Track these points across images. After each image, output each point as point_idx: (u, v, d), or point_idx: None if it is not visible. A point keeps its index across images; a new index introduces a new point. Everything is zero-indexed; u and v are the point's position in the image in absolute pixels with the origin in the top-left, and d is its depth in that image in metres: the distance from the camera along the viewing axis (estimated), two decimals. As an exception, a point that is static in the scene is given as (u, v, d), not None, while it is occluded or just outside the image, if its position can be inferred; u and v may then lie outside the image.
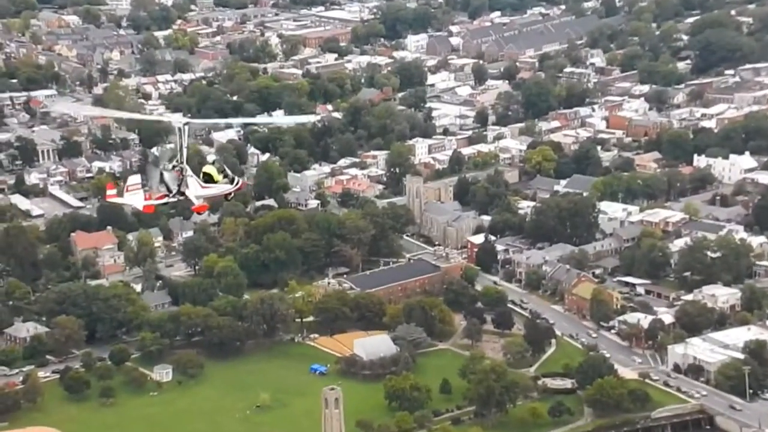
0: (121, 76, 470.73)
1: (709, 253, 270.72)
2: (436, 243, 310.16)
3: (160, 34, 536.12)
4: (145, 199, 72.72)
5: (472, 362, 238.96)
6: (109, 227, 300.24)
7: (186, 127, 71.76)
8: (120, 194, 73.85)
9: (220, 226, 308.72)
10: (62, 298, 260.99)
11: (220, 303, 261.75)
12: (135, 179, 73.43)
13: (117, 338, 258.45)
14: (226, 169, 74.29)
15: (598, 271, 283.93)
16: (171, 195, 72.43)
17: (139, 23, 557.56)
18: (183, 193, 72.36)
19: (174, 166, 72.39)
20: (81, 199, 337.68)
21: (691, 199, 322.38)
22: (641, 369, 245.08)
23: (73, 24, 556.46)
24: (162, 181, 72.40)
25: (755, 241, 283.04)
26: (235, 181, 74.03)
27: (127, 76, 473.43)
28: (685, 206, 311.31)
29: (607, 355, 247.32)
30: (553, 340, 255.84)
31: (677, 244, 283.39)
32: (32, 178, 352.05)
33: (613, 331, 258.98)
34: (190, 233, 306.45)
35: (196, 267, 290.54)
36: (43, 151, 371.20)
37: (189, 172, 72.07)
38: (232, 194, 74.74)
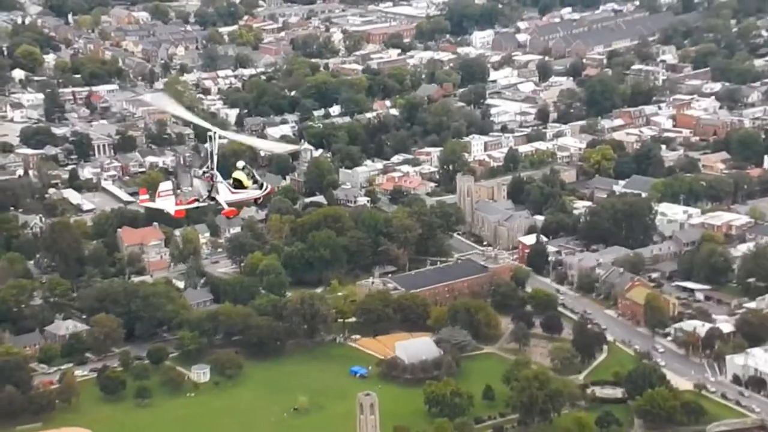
0: (182, 71, 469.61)
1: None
2: (486, 243, 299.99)
3: (225, 30, 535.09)
4: (177, 204, 76.63)
5: (516, 368, 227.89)
6: (155, 223, 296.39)
7: (216, 135, 73.24)
8: (152, 199, 77.93)
9: (267, 223, 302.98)
10: (102, 296, 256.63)
11: (261, 302, 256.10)
12: (166, 185, 77.84)
13: (157, 337, 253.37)
14: (255, 174, 75.99)
15: (654, 275, 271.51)
16: (202, 200, 75.38)
17: (206, 19, 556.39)
18: (213, 198, 74.79)
19: (205, 172, 74.84)
20: (132, 194, 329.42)
21: (759, 202, 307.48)
22: (697, 379, 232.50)
23: (142, 20, 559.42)
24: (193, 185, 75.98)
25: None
26: (264, 187, 76.06)
27: (189, 71, 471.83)
28: (750, 209, 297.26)
29: (662, 364, 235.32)
30: (605, 346, 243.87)
31: (740, 249, 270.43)
32: (86, 172, 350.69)
33: (668, 338, 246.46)
34: (237, 230, 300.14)
35: (241, 264, 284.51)
36: (98, 146, 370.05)
37: (219, 178, 74.20)
38: (261, 199, 77.20)
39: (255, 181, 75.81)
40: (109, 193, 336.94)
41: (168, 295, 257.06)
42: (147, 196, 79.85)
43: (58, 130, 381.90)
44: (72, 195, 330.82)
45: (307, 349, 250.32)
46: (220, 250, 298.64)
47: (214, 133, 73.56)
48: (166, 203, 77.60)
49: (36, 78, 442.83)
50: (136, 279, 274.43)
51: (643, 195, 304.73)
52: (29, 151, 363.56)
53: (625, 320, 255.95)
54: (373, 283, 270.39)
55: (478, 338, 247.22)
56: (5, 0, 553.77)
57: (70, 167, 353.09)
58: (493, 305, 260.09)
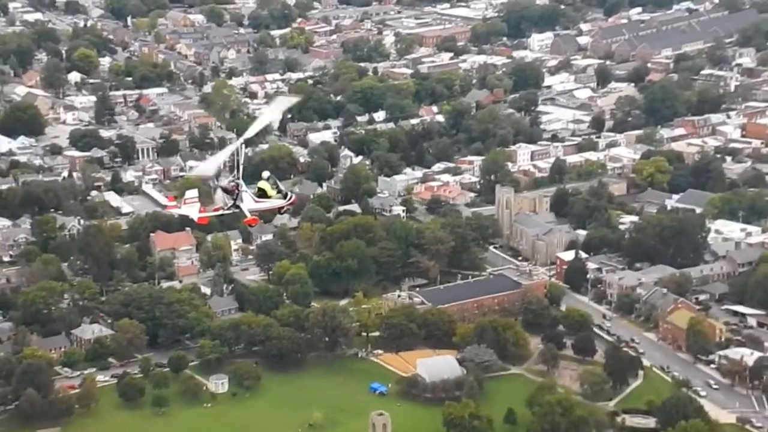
0: (231, 75, 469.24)
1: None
2: (520, 258, 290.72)
3: (277, 33, 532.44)
4: (200, 211, 78.95)
5: (541, 392, 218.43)
6: (187, 228, 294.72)
7: (242, 146, 76.36)
8: (178, 206, 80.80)
9: (297, 231, 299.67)
10: (128, 301, 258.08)
11: (283, 312, 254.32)
12: (192, 193, 79.70)
13: (180, 344, 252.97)
14: (279, 184, 78.81)
15: (702, 298, 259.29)
16: (226, 208, 77.35)
17: (260, 22, 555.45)
18: (238, 206, 76.86)
19: (230, 181, 76.87)
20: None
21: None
22: (741, 413, 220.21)
23: (197, 23, 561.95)
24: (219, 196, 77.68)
25: None
26: (288, 196, 78.51)
27: (238, 74, 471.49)
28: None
29: (703, 394, 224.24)
30: (641, 372, 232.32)
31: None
32: (128, 175, 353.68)
33: (712, 366, 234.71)
34: (269, 237, 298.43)
35: (269, 272, 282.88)
36: (142, 149, 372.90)
37: (244, 187, 76.63)
38: (285, 208, 79.45)
39: (279, 191, 78.40)
40: (148, 196, 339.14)
41: (192, 303, 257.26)
42: (174, 203, 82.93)
43: (106, 133, 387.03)
44: (113, 198, 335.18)
45: (327, 362, 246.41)
46: (250, 257, 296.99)
47: (240, 144, 76.41)
48: (191, 210, 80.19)
49: (91, 81, 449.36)
50: (164, 284, 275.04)
51: (698, 211, 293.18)
52: (76, 153, 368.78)
53: (666, 345, 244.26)
54: (399, 296, 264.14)
55: (504, 358, 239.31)
56: (70, 4, 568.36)
57: (113, 170, 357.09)
58: (524, 324, 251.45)
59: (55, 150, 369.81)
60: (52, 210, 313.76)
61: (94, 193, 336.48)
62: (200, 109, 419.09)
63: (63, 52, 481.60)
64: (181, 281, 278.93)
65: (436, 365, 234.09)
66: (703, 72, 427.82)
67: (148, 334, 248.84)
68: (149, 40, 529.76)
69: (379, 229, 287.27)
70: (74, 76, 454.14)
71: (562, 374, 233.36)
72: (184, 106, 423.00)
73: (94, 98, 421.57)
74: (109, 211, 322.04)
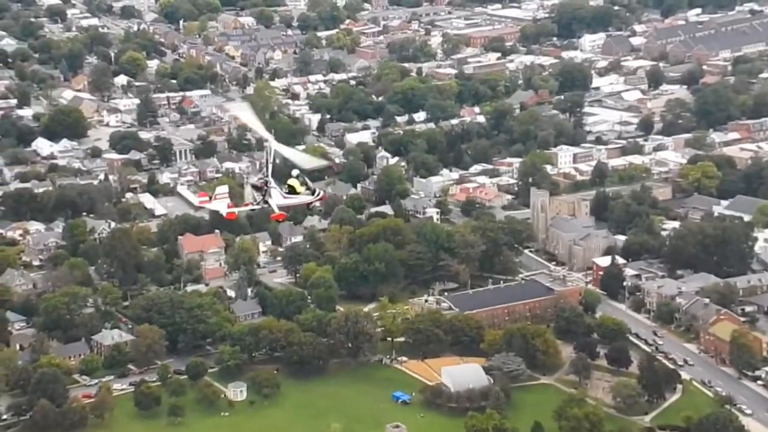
0: (274, 76, 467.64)
1: None
2: (553, 262, 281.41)
3: (324, 34, 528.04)
4: (229, 206, 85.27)
5: (569, 404, 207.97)
6: (217, 230, 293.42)
7: (271, 148, 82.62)
8: (209, 201, 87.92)
9: (325, 233, 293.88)
10: (149, 306, 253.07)
11: (306, 317, 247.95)
12: (222, 189, 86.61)
13: (201, 349, 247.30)
14: (308, 182, 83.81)
15: (749, 309, 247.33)
16: (256, 203, 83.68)
17: (308, 23, 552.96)
18: (267, 202, 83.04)
19: (260, 178, 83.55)
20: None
21: None
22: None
23: (247, 25, 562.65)
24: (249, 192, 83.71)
25: None
26: (316, 193, 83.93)
27: (283, 75, 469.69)
28: None
29: (748, 412, 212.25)
30: (680, 386, 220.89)
31: None
32: (164, 177, 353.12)
33: (759, 382, 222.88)
34: (299, 239, 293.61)
35: (297, 275, 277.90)
36: (180, 151, 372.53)
37: (273, 184, 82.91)
38: (313, 204, 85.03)
39: (308, 188, 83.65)
40: (183, 198, 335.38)
41: (213, 307, 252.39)
42: (207, 198, 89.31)
43: (145, 135, 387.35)
44: (148, 200, 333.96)
45: (350, 369, 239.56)
46: (278, 259, 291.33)
47: (269, 143, 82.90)
48: (221, 205, 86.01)
49: (137, 84, 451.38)
50: (190, 288, 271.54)
51: (747, 218, 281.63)
52: (115, 156, 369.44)
53: (708, 357, 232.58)
54: (426, 301, 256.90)
55: (534, 367, 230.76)
56: (126, 9, 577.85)
57: (150, 172, 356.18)
58: (556, 331, 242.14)
59: (96, 153, 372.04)
60: (84, 213, 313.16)
61: (129, 195, 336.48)
62: None
63: (112, 55, 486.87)
64: (207, 284, 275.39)
65: (462, 373, 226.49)
66: (762, 75, 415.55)
67: (168, 340, 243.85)
68: (198, 43, 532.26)
69: (409, 231, 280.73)
70: (121, 79, 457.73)
71: (595, 385, 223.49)
72: (223, 107, 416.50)
73: (137, 101, 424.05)
74: (142, 214, 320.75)
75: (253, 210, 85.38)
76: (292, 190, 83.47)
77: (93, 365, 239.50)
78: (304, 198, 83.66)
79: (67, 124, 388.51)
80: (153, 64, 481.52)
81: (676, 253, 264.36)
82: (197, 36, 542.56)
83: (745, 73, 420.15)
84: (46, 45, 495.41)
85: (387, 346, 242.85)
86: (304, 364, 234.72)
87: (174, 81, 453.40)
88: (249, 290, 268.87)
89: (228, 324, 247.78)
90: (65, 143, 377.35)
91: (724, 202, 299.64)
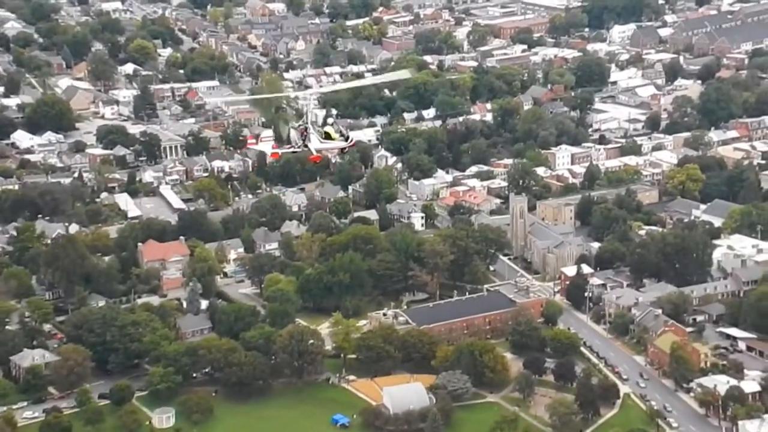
0: (289, 68, 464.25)
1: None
2: (529, 271, 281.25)
3: (351, 23, 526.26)
4: (274, 147, 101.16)
5: (502, 425, 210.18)
6: (182, 237, 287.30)
7: (312, 97, 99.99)
8: (256, 143, 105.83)
9: (297, 241, 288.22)
10: (81, 323, 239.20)
11: (253, 334, 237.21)
12: (267, 132, 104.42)
13: (138, 370, 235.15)
14: (342, 129, 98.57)
15: (700, 319, 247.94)
16: (297, 146, 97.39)
17: (339, 11, 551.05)
18: (306, 145, 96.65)
19: (300, 125, 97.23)
20: (186, 201, 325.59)
21: None
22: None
23: (277, 12, 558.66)
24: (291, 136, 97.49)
25: None
26: (349, 139, 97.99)
27: (298, 67, 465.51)
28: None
29: (675, 425, 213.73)
30: (618, 401, 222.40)
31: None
32: (147, 175, 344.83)
33: (691, 394, 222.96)
34: (274, 245, 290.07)
35: (261, 286, 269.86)
36: (170, 147, 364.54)
37: (311, 129, 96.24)
38: (347, 149, 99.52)
39: (341, 135, 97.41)
40: (164, 198, 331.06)
41: (150, 324, 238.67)
42: (254, 141, 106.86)
43: (134, 130, 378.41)
44: (125, 200, 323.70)
45: (295, 389, 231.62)
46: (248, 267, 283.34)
47: (310, 94, 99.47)
48: (266, 146, 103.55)
49: (143, 73, 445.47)
50: (143, 299, 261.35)
51: (719, 223, 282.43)
52: (98, 151, 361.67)
53: (653, 370, 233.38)
54: (384, 315, 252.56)
55: (482, 384, 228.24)
56: None
57: (130, 170, 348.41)
58: (512, 346, 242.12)
59: (79, 147, 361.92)
60: (46, 215, 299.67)
61: (104, 195, 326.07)
62: (250, 103, 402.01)
63: (121, 43, 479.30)
64: (165, 296, 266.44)
65: (403, 394, 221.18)
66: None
67: (99, 360, 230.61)
68: (219, 31, 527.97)
69: (382, 240, 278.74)
70: (128, 68, 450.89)
71: (539, 402, 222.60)
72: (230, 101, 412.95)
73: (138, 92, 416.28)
74: (113, 216, 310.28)
75: (295, 152, 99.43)
76: (328, 136, 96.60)
77: (5, 390, 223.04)
78: (338, 143, 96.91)
79: (51, 116, 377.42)
80: (166, 53, 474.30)
81: (640, 262, 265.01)
82: (220, 23, 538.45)
83: (758, 67, 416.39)
84: (51, 30, 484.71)
85: (340, 364, 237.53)
86: (244, 385, 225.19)
87: (182, 71, 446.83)
88: (203, 303, 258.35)
89: (165, 342, 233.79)
90: (49, 136, 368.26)
91: (703, 206, 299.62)
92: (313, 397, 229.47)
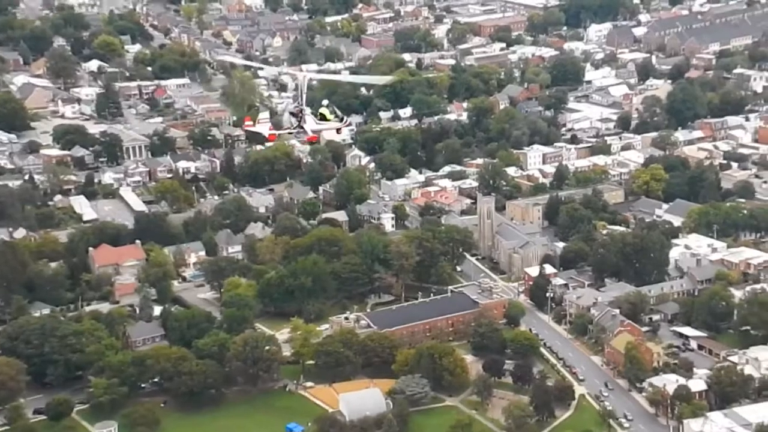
0: (263, 65, 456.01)
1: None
2: (483, 273, 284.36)
3: (331, 20, 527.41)
4: (270, 129, 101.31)
5: (456, 429, 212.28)
6: (137, 241, 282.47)
7: (305, 80, 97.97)
8: (253, 124, 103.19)
9: (259, 244, 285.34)
10: (17, 333, 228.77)
11: (206, 342, 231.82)
12: (265, 115, 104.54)
13: (81, 383, 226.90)
14: (337, 110, 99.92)
15: (656, 318, 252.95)
16: (293, 127, 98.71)
17: (318, 7, 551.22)
18: (302, 127, 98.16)
19: (295, 106, 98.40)
20: (148, 203, 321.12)
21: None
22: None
23: (254, 7, 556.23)
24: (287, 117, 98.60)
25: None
26: (344, 120, 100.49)
27: (275, 64, 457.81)
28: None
29: (626, 426, 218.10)
30: (574, 403, 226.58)
31: (737, 293, 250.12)
32: (107, 177, 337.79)
33: (643, 393, 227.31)
34: (238, 248, 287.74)
35: (221, 291, 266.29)
36: (133, 148, 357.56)
37: (307, 111, 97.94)
38: (342, 130, 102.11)
39: (336, 116, 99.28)
40: (124, 201, 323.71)
41: (95, 333, 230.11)
42: (251, 122, 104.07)
43: (95, 129, 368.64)
44: (81, 203, 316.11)
45: (250, 398, 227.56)
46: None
47: (304, 76, 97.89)
48: (263, 128, 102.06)
49: (109, 70, 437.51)
50: (92, 307, 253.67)
51: (679, 222, 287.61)
52: (55, 152, 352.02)
53: (609, 370, 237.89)
54: (346, 319, 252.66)
55: (441, 388, 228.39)
56: None
57: (89, 171, 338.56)
58: (473, 348, 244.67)
59: (34, 148, 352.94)
60: None
61: (57, 197, 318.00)
62: (221, 102, 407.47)
63: (84, 38, 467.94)
64: (117, 302, 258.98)
65: (359, 400, 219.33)
66: (737, 71, 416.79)
67: (37, 373, 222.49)
68: (192, 27, 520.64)
69: (349, 242, 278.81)
70: (92, 65, 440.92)
71: (497, 405, 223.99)
72: (200, 99, 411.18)
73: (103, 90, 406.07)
74: (66, 220, 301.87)
75: (291, 133, 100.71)
76: (323, 118, 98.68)
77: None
78: (333, 124, 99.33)
79: (3, 115, 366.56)
80: (134, 49, 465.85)
81: (601, 262, 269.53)
82: (194, 19, 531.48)
83: (723, 68, 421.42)
84: (7, 24, 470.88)
85: (297, 371, 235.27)
86: (194, 395, 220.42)
87: (150, 69, 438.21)
88: (157, 310, 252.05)
89: (111, 352, 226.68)
90: (0, 136, 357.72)
91: (665, 206, 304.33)
92: (268, 405, 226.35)
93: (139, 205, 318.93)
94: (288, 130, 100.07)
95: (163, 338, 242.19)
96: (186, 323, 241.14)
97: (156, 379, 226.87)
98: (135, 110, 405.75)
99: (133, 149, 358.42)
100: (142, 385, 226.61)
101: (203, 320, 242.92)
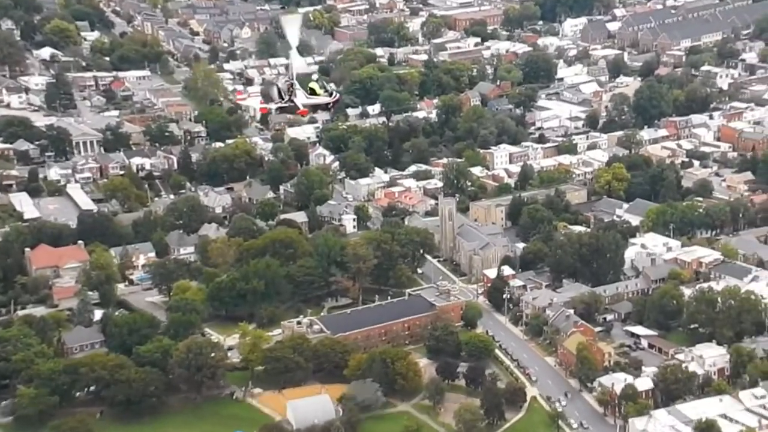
0: (230, 58, 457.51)
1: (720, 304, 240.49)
2: (441, 276, 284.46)
3: (304, 11, 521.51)
4: (261, 102, 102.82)
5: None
6: (80, 241, 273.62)
7: (296, 54, 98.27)
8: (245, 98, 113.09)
9: (211, 246, 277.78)
10: None
11: (148, 348, 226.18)
12: (256, 90, 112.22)
13: (7, 393, 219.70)
14: (326, 85, 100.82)
15: (610, 318, 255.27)
16: (283, 102, 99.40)
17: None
18: (292, 101, 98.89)
19: (285, 81, 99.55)
20: (98, 201, 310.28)
21: (750, 233, 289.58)
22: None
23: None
24: (277, 92, 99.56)
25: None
26: (333, 95, 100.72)
27: (242, 57, 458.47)
28: (722, 245, 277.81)
29: (574, 426, 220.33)
30: (526, 404, 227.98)
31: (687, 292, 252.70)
32: (53, 173, 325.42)
33: (593, 393, 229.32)
34: (190, 250, 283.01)
35: (170, 294, 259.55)
36: (84, 143, 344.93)
37: (297, 86, 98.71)
38: (332, 105, 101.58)
39: (326, 90, 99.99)
40: (71, 199, 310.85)
41: (24, 340, 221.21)
42: (244, 96, 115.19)
43: (43, 122, 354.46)
44: (22, 200, 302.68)
45: (194, 406, 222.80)
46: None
47: (293, 51, 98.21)
48: (254, 101, 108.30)
49: (63, 58, 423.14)
50: (26, 311, 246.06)
51: (638, 222, 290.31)
52: None
53: (562, 371, 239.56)
54: (299, 323, 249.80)
55: (394, 393, 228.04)
56: None
57: (32, 167, 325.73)
58: (428, 351, 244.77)
59: None
60: None
61: None
62: (182, 96, 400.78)
63: (36, 23, 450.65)
64: (56, 306, 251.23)
65: (308, 407, 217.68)
66: (704, 68, 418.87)
67: None
68: (156, 14, 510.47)
69: (305, 244, 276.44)
70: (45, 52, 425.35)
71: (451, 409, 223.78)
72: (161, 92, 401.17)
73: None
74: (6, 217, 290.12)
75: (281, 107, 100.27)
76: (313, 92, 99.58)
77: None
78: (323, 99, 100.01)
79: None
80: (92, 36, 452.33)
81: (558, 263, 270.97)
82: (159, 6, 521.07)
83: (692, 65, 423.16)
84: None
85: (247, 377, 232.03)
86: (134, 404, 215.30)
87: (108, 59, 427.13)
88: (98, 314, 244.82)
89: (41, 360, 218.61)
90: None
91: (626, 206, 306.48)
92: (213, 413, 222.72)
93: (87, 203, 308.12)
94: (279, 104, 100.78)
95: (103, 344, 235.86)
96: (127, 329, 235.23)
97: (92, 388, 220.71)
98: (90, 102, 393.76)
99: (84, 144, 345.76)
100: (77, 395, 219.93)
101: (146, 325, 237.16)
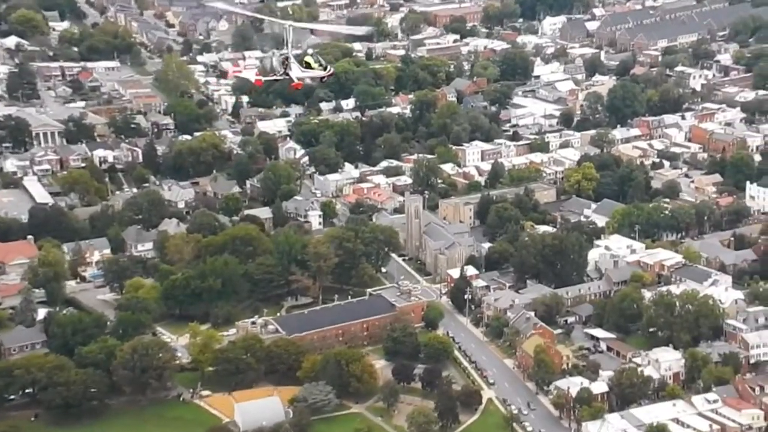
0: (203, 50, 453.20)
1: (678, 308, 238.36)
2: (403, 275, 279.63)
3: (283, 4, 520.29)
4: (257, 74, 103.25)
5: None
6: (30, 237, 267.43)
7: (291, 29, 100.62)
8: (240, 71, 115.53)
9: (168, 243, 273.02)
10: None
11: (91, 349, 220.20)
12: (251, 61, 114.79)
13: None
14: (321, 59, 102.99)
15: (571, 320, 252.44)
16: (279, 74, 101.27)
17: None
18: (287, 74, 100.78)
19: (281, 54, 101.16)
20: (55, 195, 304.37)
21: (714, 236, 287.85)
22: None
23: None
24: (273, 65, 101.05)
25: (731, 296, 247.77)
26: (327, 69, 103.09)
27: (217, 50, 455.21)
28: (685, 248, 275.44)
29: (529, 429, 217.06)
30: (481, 407, 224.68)
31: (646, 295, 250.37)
32: (9, 164, 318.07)
33: (550, 396, 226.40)
34: (148, 246, 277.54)
35: (123, 292, 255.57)
36: (44, 134, 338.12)
37: (292, 59, 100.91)
38: (326, 78, 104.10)
39: (320, 64, 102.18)
40: (27, 192, 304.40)
41: None
42: (239, 68, 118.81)
43: (2, 111, 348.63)
44: None
45: (139, 408, 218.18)
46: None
47: (289, 25, 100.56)
48: (250, 74, 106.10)
49: (30, 48, 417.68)
50: None
51: (605, 223, 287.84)
52: None
53: (520, 374, 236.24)
54: (253, 323, 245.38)
55: (348, 395, 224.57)
56: None
57: None
58: (386, 353, 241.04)
59: None
60: None
61: None
62: (153, 88, 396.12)
63: (1, 11, 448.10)
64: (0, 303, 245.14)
65: (256, 409, 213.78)
66: (678, 68, 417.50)
67: None
68: (131, 6, 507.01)
69: (265, 241, 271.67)
70: (11, 41, 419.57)
71: (405, 411, 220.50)
72: (129, 83, 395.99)
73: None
74: None
75: (277, 80, 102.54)
76: (308, 66, 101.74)
77: None
78: (317, 72, 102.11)
79: None
80: (62, 26, 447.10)
81: (521, 264, 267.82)
82: None
83: (667, 65, 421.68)
84: None
85: (197, 378, 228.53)
86: (73, 407, 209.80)
87: (76, 49, 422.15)
88: (41, 313, 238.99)
89: None
90: None
91: (594, 206, 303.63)
92: (157, 415, 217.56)
93: (44, 196, 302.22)
94: (274, 77, 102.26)
95: (44, 345, 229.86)
96: (71, 328, 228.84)
97: (28, 391, 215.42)
98: (54, 93, 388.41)
99: (44, 135, 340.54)
100: (11, 398, 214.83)
101: (92, 325, 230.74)
